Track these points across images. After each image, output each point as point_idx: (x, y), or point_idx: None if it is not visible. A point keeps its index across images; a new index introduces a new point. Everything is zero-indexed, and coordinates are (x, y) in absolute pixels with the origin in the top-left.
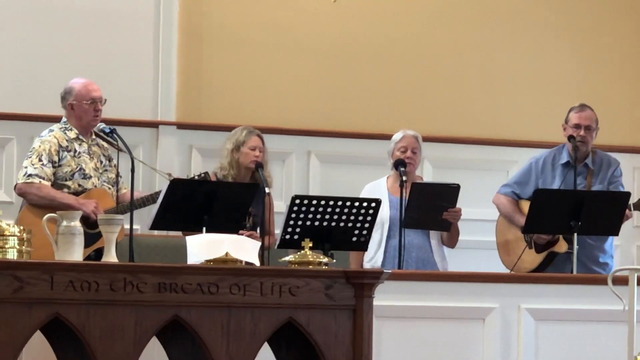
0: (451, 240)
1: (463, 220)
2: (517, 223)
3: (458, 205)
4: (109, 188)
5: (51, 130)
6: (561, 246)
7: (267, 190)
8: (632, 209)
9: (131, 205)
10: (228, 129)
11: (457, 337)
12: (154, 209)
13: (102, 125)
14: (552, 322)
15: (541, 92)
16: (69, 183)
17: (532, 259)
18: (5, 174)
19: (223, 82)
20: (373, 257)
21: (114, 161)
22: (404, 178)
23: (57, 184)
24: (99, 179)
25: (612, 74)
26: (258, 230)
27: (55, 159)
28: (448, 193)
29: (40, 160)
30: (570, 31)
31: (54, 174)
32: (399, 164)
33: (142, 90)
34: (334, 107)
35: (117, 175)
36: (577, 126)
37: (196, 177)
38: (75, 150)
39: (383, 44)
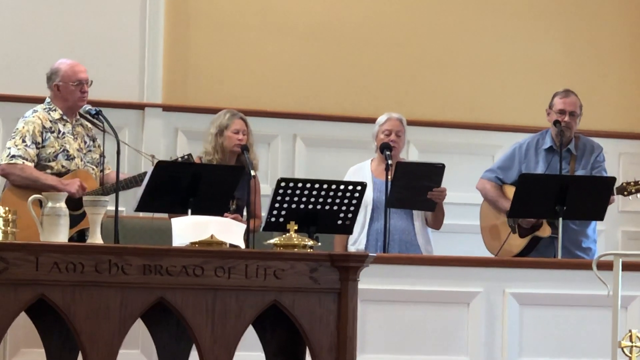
0: (436, 221)
1: (448, 204)
2: (501, 208)
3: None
4: (93, 169)
5: (35, 111)
6: (545, 230)
7: (252, 173)
8: (615, 192)
9: (117, 187)
10: (214, 111)
11: (442, 321)
12: (139, 190)
13: (87, 107)
14: (537, 307)
15: (527, 77)
16: (52, 164)
17: (516, 243)
18: None
19: (209, 65)
20: (357, 239)
21: (98, 141)
22: (389, 162)
23: (40, 165)
24: (82, 160)
25: (598, 59)
26: (245, 214)
27: (39, 140)
28: (433, 172)
29: (23, 141)
30: (556, 16)
31: (38, 155)
32: (384, 148)
33: (129, 72)
34: (320, 90)
35: (101, 155)
36: (562, 112)
37: (179, 160)
38: (59, 131)
39: (370, 27)
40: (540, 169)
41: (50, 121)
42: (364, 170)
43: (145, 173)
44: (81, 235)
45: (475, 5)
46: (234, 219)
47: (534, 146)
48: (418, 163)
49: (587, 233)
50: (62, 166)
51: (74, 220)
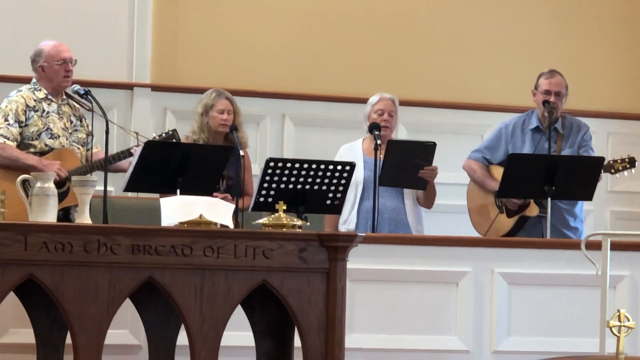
0: (427, 200)
1: (437, 183)
2: (489, 188)
3: None
4: (78, 148)
5: (19, 91)
6: (532, 210)
7: (241, 152)
8: (602, 171)
9: (105, 167)
10: (202, 91)
11: (431, 300)
12: (128, 170)
13: (76, 87)
14: (525, 287)
15: (515, 56)
16: (35, 142)
17: (504, 223)
18: None
19: (198, 44)
20: (347, 218)
21: (86, 121)
22: (379, 141)
23: (23, 144)
24: (67, 139)
25: (587, 39)
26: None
27: (22, 118)
28: (424, 151)
29: (6, 120)
30: None
31: (21, 133)
32: (373, 128)
33: (117, 51)
34: (309, 70)
35: (88, 134)
36: (547, 92)
37: (164, 135)
38: (44, 110)
39: (358, 7)
40: (526, 149)
41: (35, 100)
42: (355, 149)
43: (130, 149)
44: (66, 213)
45: None
46: (223, 198)
47: (520, 126)
48: (409, 141)
49: (574, 212)
50: (46, 144)
51: (58, 198)
